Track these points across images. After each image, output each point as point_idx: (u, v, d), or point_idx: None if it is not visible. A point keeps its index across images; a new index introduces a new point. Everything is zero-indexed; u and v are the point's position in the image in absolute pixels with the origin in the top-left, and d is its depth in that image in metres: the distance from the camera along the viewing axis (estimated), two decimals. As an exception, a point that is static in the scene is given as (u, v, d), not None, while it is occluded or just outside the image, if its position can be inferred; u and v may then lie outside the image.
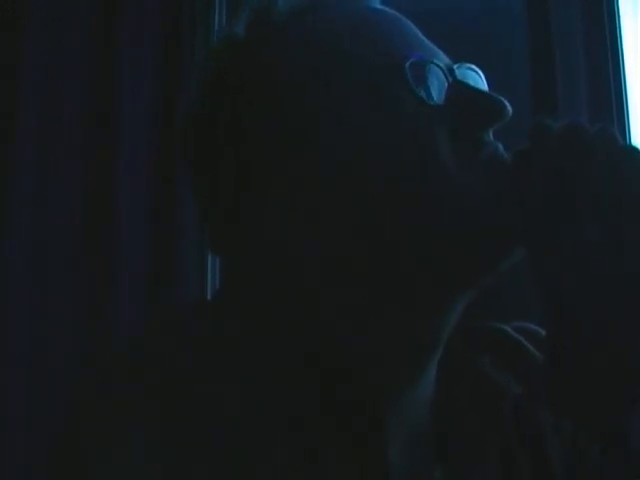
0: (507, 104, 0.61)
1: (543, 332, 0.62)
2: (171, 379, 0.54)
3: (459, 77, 0.62)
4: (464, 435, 0.65)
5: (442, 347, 0.63)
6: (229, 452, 0.52)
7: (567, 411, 0.56)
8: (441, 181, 0.58)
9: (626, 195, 0.54)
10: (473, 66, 0.64)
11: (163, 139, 1.61)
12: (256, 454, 0.53)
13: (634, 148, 0.56)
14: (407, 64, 0.60)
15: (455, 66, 0.63)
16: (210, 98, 0.65)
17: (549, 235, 0.55)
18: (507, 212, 0.58)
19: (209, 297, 1.06)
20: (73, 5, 1.64)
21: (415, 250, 0.58)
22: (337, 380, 0.59)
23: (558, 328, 0.56)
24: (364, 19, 0.64)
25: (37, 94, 1.59)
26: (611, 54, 1.38)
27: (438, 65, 0.61)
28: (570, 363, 0.55)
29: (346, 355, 0.60)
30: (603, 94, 1.36)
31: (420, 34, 0.65)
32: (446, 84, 0.61)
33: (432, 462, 0.64)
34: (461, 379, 0.67)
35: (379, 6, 0.67)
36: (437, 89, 0.61)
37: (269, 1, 0.65)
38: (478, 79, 0.64)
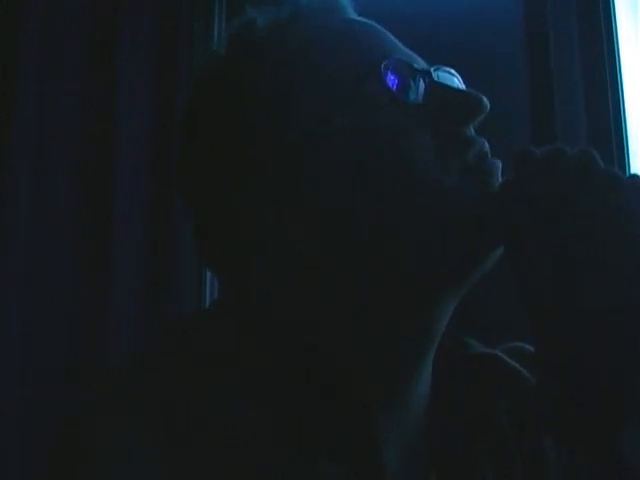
0: (484, 98, 0.62)
1: None
2: (171, 388, 0.55)
3: (436, 79, 0.63)
4: (460, 442, 0.65)
5: (432, 355, 0.64)
6: (228, 457, 0.53)
7: (559, 430, 0.57)
8: (425, 183, 0.59)
9: (606, 215, 0.55)
10: (450, 69, 0.65)
11: (161, 143, 1.61)
12: (253, 462, 0.54)
13: (612, 170, 0.58)
14: (382, 64, 0.61)
15: (432, 69, 0.64)
16: (193, 114, 0.67)
17: (534, 253, 0.56)
18: (490, 215, 0.59)
19: (207, 307, 1.07)
20: (73, 7, 1.65)
21: (401, 251, 0.59)
22: (331, 391, 0.60)
23: (544, 345, 0.56)
24: (341, 29, 0.65)
25: (35, 94, 1.59)
26: (610, 77, 1.39)
27: (415, 67, 0.63)
28: (558, 380, 0.55)
29: (339, 365, 0.61)
30: (602, 120, 1.37)
31: (397, 41, 0.66)
32: (424, 85, 0.62)
33: (428, 468, 0.65)
34: (458, 388, 0.68)
35: (356, 17, 0.68)
36: (415, 90, 0.62)
37: (249, 20, 0.66)
38: (455, 81, 0.65)
